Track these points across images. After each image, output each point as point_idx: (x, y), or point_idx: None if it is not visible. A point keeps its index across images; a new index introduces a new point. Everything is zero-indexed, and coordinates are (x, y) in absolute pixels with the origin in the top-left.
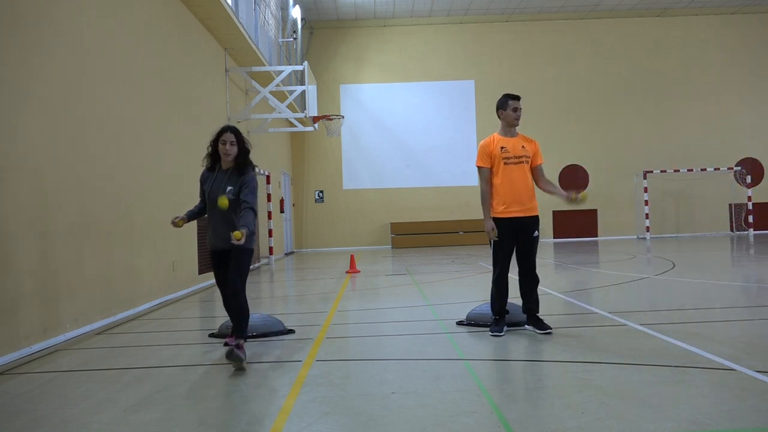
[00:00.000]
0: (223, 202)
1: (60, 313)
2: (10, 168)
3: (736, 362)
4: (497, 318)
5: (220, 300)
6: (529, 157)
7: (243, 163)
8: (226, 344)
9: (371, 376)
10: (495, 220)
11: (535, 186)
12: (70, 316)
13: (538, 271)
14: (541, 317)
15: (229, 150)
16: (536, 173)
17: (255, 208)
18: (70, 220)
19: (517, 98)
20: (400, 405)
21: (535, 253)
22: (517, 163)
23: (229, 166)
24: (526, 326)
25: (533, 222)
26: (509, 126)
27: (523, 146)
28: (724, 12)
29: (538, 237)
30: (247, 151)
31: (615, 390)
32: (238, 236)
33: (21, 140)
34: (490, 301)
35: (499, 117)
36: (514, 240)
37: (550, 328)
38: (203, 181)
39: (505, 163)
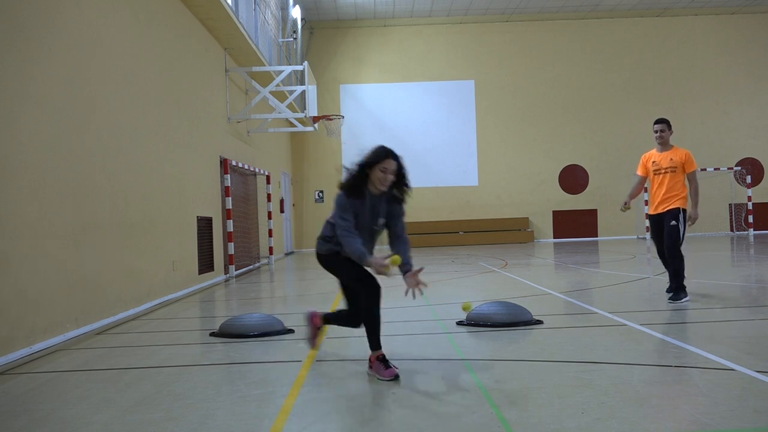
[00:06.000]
0: (396, 260)
1: (60, 313)
2: (9, 168)
3: (736, 362)
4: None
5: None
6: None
7: (398, 192)
8: (371, 368)
9: (371, 376)
10: None
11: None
12: (70, 316)
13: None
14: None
15: (389, 179)
16: None
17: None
18: (70, 219)
19: None
20: (400, 405)
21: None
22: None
23: (380, 192)
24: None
25: None
26: None
27: None
28: (724, 12)
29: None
30: (407, 183)
31: (615, 390)
32: (397, 261)
33: (21, 140)
34: None
35: None
36: None
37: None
38: (351, 207)
39: None
